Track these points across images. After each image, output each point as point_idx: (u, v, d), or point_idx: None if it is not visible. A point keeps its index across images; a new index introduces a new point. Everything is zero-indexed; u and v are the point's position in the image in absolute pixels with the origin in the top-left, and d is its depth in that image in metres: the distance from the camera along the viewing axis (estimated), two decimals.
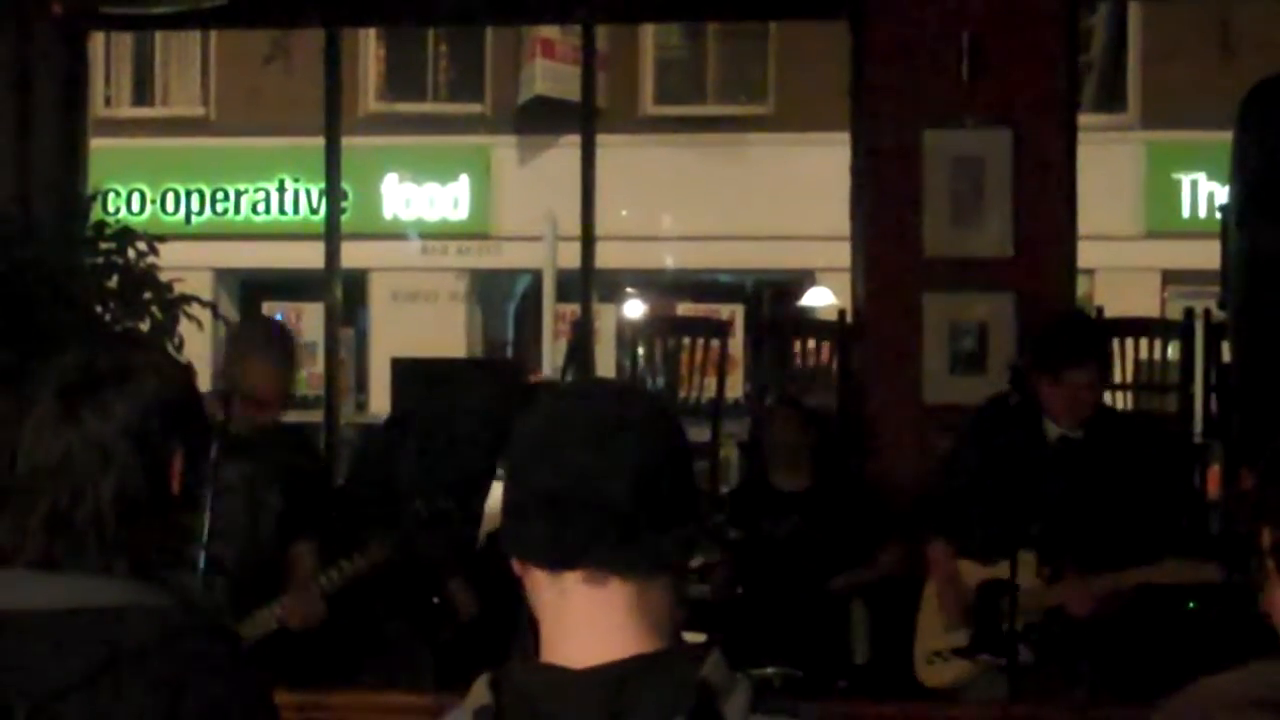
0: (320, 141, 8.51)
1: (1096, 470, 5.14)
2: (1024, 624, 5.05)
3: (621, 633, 1.80)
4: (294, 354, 4.93)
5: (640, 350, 9.33)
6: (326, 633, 4.77)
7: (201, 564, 4.13)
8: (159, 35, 18.02)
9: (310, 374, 17.65)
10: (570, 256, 10.51)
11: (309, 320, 17.66)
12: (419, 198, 19.24)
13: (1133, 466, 5.18)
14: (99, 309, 7.48)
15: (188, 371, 2.29)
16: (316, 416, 9.69)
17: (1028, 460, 5.11)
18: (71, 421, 2.09)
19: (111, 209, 11.55)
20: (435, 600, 5.97)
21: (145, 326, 7.54)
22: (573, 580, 1.80)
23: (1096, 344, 5.43)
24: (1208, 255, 8.58)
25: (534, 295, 18.62)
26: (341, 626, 4.86)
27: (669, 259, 18.97)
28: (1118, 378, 8.13)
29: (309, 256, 9.60)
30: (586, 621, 1.81)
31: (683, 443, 1.88)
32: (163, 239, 7.86)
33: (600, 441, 1.80)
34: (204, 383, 3.55)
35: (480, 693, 1.80)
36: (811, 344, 8.61)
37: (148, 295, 7.60)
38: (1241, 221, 6.01)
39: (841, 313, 8.04)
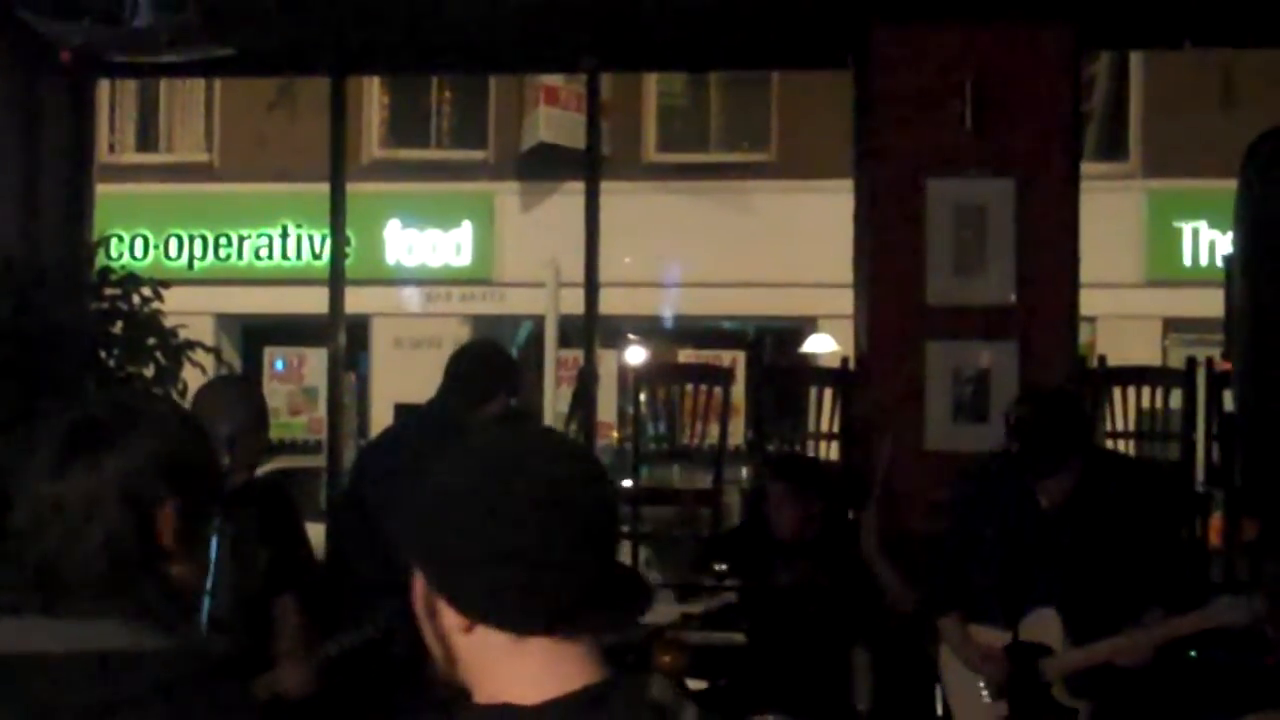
0: (323, 187, 8.51)
1: (1096, 526, 5.08)
2: (1066, 683, 5.02)
3: (577, 677, 1.78)
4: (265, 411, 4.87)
5: (642, 396, 9.32)
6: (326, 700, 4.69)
7: (205, 617, 4.09)
8: (164, 82, 18.09)
9: (312, 419, 17.68)
10: (572, 303, 10.52)
11: (311, 365, 17.70)
12: (422, 244, 19.28)
13: (1131, 516, 5.12)
14: (103, 354, 7.49)
15: (194, 423, 2.29)
16: (318, 461, 9.70)
17: (1029, 521, 5.09)
18: (63, 473, 2.11)
19: (115, 254, 11.57)
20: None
21: (149, 372, 7.54)
22: (536, 641, 1.78)
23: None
24: (1208, 303, 8.58)
25: (536, 341, 18.62)
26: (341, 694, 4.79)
27: (671, 306, 18.98)
28: (1119, 426, 8.15)
29: (311, 302, 9.60)
30: (543, 669, 1.78)
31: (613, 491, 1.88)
32: (166, 284, 7.87)
33: (558, 498, 1.77)
34: None
35: None
36: (813, 391, 8.59)
37: (152, 341, 7.61)
38: (1246, 272, 5.99)
39: (844, 360, 8.03)
